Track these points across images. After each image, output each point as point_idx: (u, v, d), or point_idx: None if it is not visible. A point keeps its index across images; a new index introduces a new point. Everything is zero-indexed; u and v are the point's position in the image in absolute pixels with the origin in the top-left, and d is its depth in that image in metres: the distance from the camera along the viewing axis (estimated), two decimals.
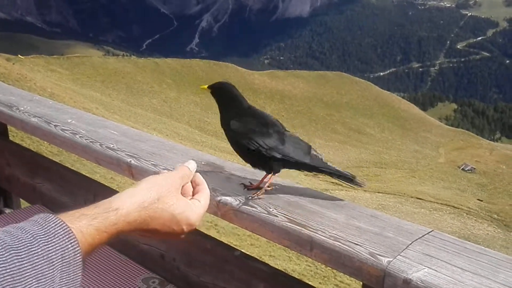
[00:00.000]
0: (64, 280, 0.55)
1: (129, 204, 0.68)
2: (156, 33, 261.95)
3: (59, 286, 0.55)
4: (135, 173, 1.20)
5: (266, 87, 63.74)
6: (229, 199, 0.99)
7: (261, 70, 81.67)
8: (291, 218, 0.90)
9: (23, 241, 0.54)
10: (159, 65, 60.49)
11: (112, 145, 1.28)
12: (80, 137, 1.34)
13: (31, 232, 0.56)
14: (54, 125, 1.42)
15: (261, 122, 1.03)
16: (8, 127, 1.82)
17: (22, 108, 1.55)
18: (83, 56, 61.72)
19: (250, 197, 0.96)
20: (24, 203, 1.96)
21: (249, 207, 0.95)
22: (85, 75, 48.38)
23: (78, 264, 0.58)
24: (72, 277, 0.57)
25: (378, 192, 32.99)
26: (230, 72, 65.12)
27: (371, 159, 47.84)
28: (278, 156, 0.98)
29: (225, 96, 1.06)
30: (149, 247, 1.36)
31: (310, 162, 1.00)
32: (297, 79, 69.46)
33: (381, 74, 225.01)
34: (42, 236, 0.56)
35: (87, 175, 1.68)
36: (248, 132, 1.00)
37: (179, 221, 0.73)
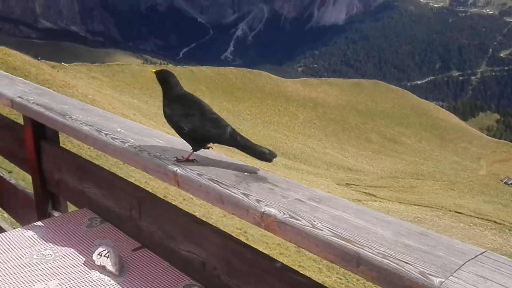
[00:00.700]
0: None
1: None
2: (192, 41, 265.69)
3: None
4: (181, 182, 1.24)
5: (299, 95, 63.50)
6: (273, 210, 1.00)
7: (294, 78, 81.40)
8: (336, 233, 0.90)
9: None
10: (194, 73, 61.29)
11: (159, 154, 1.33)
12: (129, 145, 1.40)
13: None
14: (105, 134, 1.49)
15: (187, 107, 1.26)
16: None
17: (74, 117, 1.63)
18: (123, 64, 63.22)
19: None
20: (71, 207, 2.04)
21: (293, 220, 0.96)
22: (124, 82, 49.54)
23: None
24: None
25: (414, 205, 32.18)
26: (264, 79, 65.28)
27: (407, 169, 46.77)
28: (197, 135, 1.23)
29: (163, 82, 1.29)
30: (190, 255, 1.38)
31: (228, 140, 1.21)
32: (330, 87, 68.90)
33: (419, 82, 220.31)
34: None
35: None
36: (173, 115, 1.25)
37: None
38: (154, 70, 1.30)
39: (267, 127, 50.47)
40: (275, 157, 1.19)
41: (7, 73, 2.37)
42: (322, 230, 0.91)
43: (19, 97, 1.90)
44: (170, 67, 69.53)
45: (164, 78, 1.30)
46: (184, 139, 1.28)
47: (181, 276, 1.40)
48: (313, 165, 39.54)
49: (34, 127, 1.90)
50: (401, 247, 0.84)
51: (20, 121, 2.11)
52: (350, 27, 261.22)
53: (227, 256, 1.27)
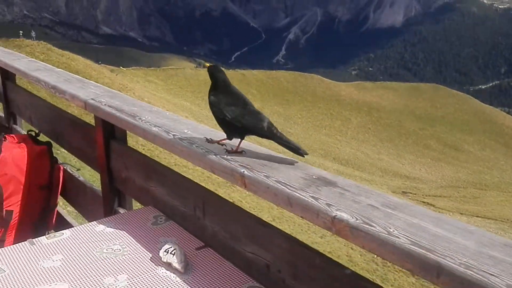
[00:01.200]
0: None
1: None
2: (244, 45, 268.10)
3: None
4: (248, 183, 1.25)
5: (352, 99, 62.34)
6: (345, 215, 0.99)
7: (348, 82, 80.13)
8: (414, 241, 0.87)
9: None
10: (245, 76, 61.71)
11: (226, 156, 1.36)
12: (196, 146, 1.44)
13: None
14: (173, 135, 1.53)
15: (232, 98, 1.38)
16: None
17: (144, 118, 1.70)
18: (177, 68, 64.63)
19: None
20: (136, 205, 2.12)
21: (367, 226, 0.94)
22: (178, 85, 50.66)
23: None
24: None
25: (477, 216, 30.65)
26: (316, 83, 64.65)
27: (470, 179, 44.69)
28: (238, 123, 1.34)
29: (212, 76, 1.41)
30: (254, 256, 1.39)
31: (265, 132, 1.33)
32: (386, 91, 67.15)
33: (483, 87, 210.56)
34: None
35: None
36: (219, 103, 1.36)
37: None
38: (208, 65, 1.44)
39: (318, 131, 49.93)
40: (307, 154, 1.32)
41: (80, 77, 2.52)
42: (399, 238, 0.89)
43: (92, 99, 2.00)
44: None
45: (213, 73, 1.42)
46: (223, 127, 1.39)
47: (244, 277, 1.40)
48: (367, 172, 38.69)
49: (104, 128, 2.00)
50: (485, 258, 0.81)
51: (91, 122, 2.23)
52: (408, 29, 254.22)
53: (293, 260, 1.26)
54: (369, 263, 12.82)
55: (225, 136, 1.42)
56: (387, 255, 0.90)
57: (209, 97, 1.40)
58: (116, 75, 34.25)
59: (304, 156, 1.29)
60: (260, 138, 1.36)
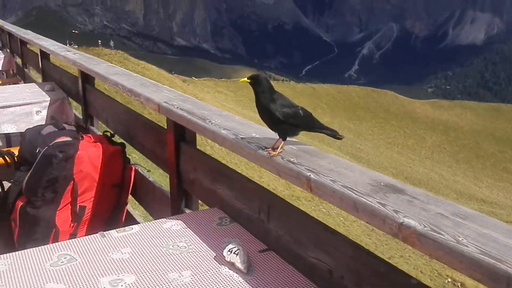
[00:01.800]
0: None
1: None
2: (316, 59, 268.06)
3: None
4: (314, 187, 1.25)
5: (427, 117, 60.16)
6: (412, 222, 0.97)
7: (423, 99, 77.49)
8: (484, 250, 0.84)
9: None
10: (316, 90, 61.49)
11: (292, 159, 1.37)
12: (263, 149, 1.46)
13: None
14: (241, 138, 1.57)
15: (283, 100, 1.46)
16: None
17: (214, 121, 1.75)
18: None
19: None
20: (202, 207, 2.17)
21: (435, 233, 0.92)
22: (247, 97, 51.39)
23: None
24: None
25: None
26: (389, 99, 63.09)
27: None
28: (295, 122, 1.44)
29: (261, 84, 1.45)
30: (317, 261, 1.38)
31: (317, 128, 1.48)
32: (464, 110, 64.21)
33: None
34: None
35: None
36: (283, 107, 1.43)
37: None
38: (247, 78, 1.48)
39: (390, 149, 48.55)
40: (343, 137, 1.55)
41: (154, 82, 2.63)
42: (468, 247, 0.86)
43: (165, 102, 2.09)
44: (292, 84, 70.73)
45: (263, 79, 1.47)
46: (280, 127, 1.45)
47: (307, 282, 1.39)
48: (441, 193, 37.00)
49: (175, 130, 2.07)
50: None
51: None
52: (490, 47, 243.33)
53: (357, 267, 1.24)
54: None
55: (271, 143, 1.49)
56: (455, 264, 0.87)
57: (264, 103, 1.44)
58: (188, 85, 35.43)
59: (342, 139, 1.53)
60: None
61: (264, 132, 1.63)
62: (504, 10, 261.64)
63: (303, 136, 1.59)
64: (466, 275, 0.85)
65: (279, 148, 1.43)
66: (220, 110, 1.95)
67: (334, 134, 1.50)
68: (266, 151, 1.45)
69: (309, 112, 1.49)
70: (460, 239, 0.89)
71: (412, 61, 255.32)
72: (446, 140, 55.10)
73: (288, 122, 1.43)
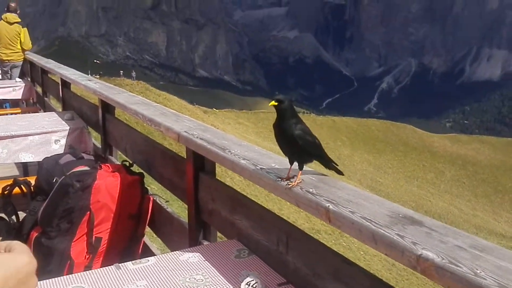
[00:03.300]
0: None
1: None
2: (336, 92, 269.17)
3: None
4: (332, 218, 1.25)
5: (446, 151, 59.54)
6: (431, 254, 0.97)
7: (442, 133, 76.79)
8: (502, 283, 0.84)
9: None
10: (336, 123, 61.46)
11: (311, 190, 1.37)
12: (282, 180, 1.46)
13: None
14: (260, 168, 1.57)
15: (307, 130, 1.45)
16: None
17: (233, 151, 1.76)
18: (268, 112, 66.07)
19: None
20: (220, 238, 2.15)
21: (453, 266, 0.91)
22: (267, 129, 51.53)
23: None
24: None
25: None
26: (408, 133, 62.73)
27: None
28: (313, 152, 1.44)
29: (287, 109, 1.44)
30: None
31: (326, 160, 1.48)
32: (482, 145, 63.47)
33: None
34: None
35: None
36: (306, 135, 1.42)
37: (15, 269, 0.71)
38: (275, 100, 1.46)
39: (410, 182, 47.94)
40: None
41: (175, 111, 2.65)
42: (486, 279, 0.85)
43: (185, 131, 2.10)
44: (312, 116, 70.85)
45: (290, 104, 1.46)
46: (300, 154, 1.43)
47: None
48: (461, 227, 36.15)
49: (195, 160, 2.07)
50: None
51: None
52: (506, 83, 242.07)
53: None
54: None
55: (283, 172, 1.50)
56: None
57: (287, 128, 1.43)
58: (209, 116, 35.71)
59: (343, 175, 1.53)
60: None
61: (283, 162, 1.63)
62: None
63: (318, 166, 1.60)
64: None
65: (297, 179, 1.43)
66: (240, 140, 1.96)
67: (338, 169, 1.51)
68: (285, 181, 1.44)
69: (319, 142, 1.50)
70: (478, 271, 0.88)
71: (430, 95, 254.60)
72: (465, 174, 54.32)
73: (308, 150, 1.43)
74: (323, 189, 1.37)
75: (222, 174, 13.52)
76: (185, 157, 2.17)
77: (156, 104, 2.89)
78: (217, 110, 49.12)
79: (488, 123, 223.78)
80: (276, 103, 1.43)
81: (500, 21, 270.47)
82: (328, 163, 1.48)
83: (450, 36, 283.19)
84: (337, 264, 1.36)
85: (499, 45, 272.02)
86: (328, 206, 1.26)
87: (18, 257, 0.73)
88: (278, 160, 1.66)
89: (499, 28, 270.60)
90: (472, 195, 49.69)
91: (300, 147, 1.41)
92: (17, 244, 0.77)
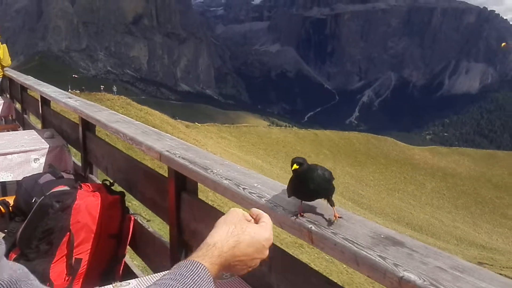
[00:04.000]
0: None
1: (219, 237, 0.91)
2: (318, 106, 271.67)
3: None
4: (315, 239, 1.24)
5: (426, 163, 60.40)
6: (412, 276, 0.97)
7: (422, 146, 77.93)
8: None
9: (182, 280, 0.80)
10: (318, 136, 61.87)
11: (293, 210, 1.36)
12: (265, 200, 1.45)
13: (185, 274, 0.81)
14: (243, 188, 1.56)
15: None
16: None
17: (215, 171, 1.73)
18: (251, 125, 66.22)
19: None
20: None
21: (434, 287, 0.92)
22: (250, 143, 51.62)
23: None
24: None
25: None
26: (389, 145, 63.50)
27: None
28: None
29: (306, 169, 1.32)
30: None
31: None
32: (462, 157, 64.56)
33: None
34: (191, 275, 0.81)
35: None
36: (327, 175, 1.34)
37: (258, 239, 0.93)
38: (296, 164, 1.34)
39: (391, 194, 48.38)
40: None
41: (157, 130, 2.60)
42: None
43: (167, 151, 2.06)
44: (294, 130, 71.21)
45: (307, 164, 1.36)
46: (327, 197, 1.36)
47: None
48: (442, 239, 36.61)
49: (177, 179, 2.04)
50: None
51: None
52: (484, 96, 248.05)
53: None
54: None
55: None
56: None
57: (322, 173, 1.34)
58: (191, 130, 35.59)
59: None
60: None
61: (265, 182, 1.62)
62: (497, 61, 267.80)
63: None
64: None
65: (335, 214, 1.34)
66: (223, 159, 1.93)
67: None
68: (332, 219, 1.32)
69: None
70: None
71: (410, 108, 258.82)
72: (445, 186, 55.13)
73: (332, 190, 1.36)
74: (306, 209, 1.37)
75: (205, 188, 13.44)
76: (167, 176, 2.14)
77: (138, 122, 2.84)
78: (199, 124, 48.98)
79: (467, 135, 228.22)
80: (298, 166, 1.34)
81: (477, 35, 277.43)
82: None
83: (429, 49, 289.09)
84: (320, 285, 1.35)
85: (477, 58, 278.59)
86: (311, 227, 1.25)
87: (263, 232, 0.94)
88: (260, 180, 1.65)
89: (476, 41, 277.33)
90: (452, 207, 50.38)
91: (327, 193, 1.34)
92: (265, 217, 0.98)
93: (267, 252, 0.96)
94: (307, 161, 1.33)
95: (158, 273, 1.75)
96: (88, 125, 3.54)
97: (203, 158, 1.93)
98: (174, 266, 0.85)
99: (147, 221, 2.75)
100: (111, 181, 2.63)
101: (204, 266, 0.83)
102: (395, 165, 57.52)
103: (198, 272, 0.82)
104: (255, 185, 1.58)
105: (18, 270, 0.70)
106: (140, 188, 2.61)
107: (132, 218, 2.56)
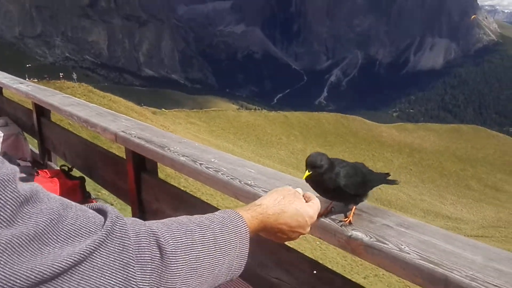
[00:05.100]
0: (239, 250, 0.84)
1: (267, 202, 0.96)
2: (286, 87, 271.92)
3: (237, 253, 0.83)
4: None
5: (394, 140, 61.77)
6: (359, 234, 1.01)
7: (389, 123, 79.50)
8: (424, 256, 0.89)
9: (220, 224, 0.84)
10: (288, 118, 62.23)
11: (250, 182, 1.38)
12: (222, 174, 1.46)
13: (222, 221, 0.86)
14: (200, 163, 1.56)
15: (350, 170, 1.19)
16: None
17: (172, 149, 1.72)
18: (219, 110, 65.90)
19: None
20: None
21: (380, 243, 0.96)
22: (220, 127, 51.50)
23: (248, 240, 0.87)
24: (244, 249, 0.86)
25: None
26: (357, 124, 64.51)
27: (511, 219, 42.96)
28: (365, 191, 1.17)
29: (322, 166, 1.10)
30: (279, 282, 1.38)
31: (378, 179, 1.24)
32: (427, 132, 66.27)
33: None
34: (228, 222, 0.86)
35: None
36: (352, 180, 1.13)
37: (302, 214, 0.97)
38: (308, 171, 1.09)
39: None
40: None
41: (112, 111, 2.54)
42: (410, 254, 0.91)
43: (122, 131, 2.03)
44: (264, 112, 71.39)
45: (325, 158, 1.14)
46: (354, 199, 1.15)
47: None
48: (409, 212, 37.71)
49: (135, 160, 2.01)
50: (491, 271, 0.82)
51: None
52: (448, 71, 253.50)
53: (316, 284, 1.26)
54: None
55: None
56: (398, 271, 0.91)
57: (329, 183, 1.09)
58: (158, 117, 35.18)
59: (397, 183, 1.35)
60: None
61: (223, 157, 1.63)
62: (460, 36, 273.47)
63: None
64: (410, 281, 0.89)
65: (351, 214, 1.12)
66: (180, 137, 1.92)
67: (390, 180, 1.28)
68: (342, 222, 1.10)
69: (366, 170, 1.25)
70: (403, 247, 0.93)
71: (377, 86, 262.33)
72: (412, 162, 56.59)
73: (361, 192, 1.15)
74: (262, 180, 1.39)
75: (176, 175, 13.38)
76: (125, 157, 2.10)
77: (93, 105, 2.75)
78: (166, 111, 48.46)
79: (432, 111, 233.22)
80: (311, 172, 1.08)
81: (441, 10, 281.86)
82: (382, 181, 1.25)
83: (394, 26, 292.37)
84: (278, 251, 1.38)
85: (440, 34, 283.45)
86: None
87: (309, 209, 0.99)
88: (218, 155, 1.65)
89: (439, 17, 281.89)
90: (419, 181, 51.80)
91: (353, 195, 1.12)
92: (315, 200, 1.04)
93: (308, 229, 0.99)
94: (327, 158, 1.12)
95: None
96: (42, 111, 3.42)
97: (160, 137, 1.91)
98: (217, 211, 0.90)
99: (111, 204, 2.72)
100: (70, 166, 2.58)
101: (241, 216, 0.88)
102: (364, 143, 58.54)
103: (235, 219, 0.87)
104: (212, 160, 1.59)
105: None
106: (99, 172, 2.57)
107: (94, 202, 2.52)
